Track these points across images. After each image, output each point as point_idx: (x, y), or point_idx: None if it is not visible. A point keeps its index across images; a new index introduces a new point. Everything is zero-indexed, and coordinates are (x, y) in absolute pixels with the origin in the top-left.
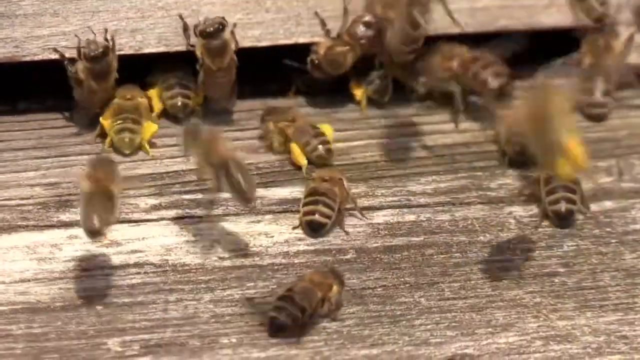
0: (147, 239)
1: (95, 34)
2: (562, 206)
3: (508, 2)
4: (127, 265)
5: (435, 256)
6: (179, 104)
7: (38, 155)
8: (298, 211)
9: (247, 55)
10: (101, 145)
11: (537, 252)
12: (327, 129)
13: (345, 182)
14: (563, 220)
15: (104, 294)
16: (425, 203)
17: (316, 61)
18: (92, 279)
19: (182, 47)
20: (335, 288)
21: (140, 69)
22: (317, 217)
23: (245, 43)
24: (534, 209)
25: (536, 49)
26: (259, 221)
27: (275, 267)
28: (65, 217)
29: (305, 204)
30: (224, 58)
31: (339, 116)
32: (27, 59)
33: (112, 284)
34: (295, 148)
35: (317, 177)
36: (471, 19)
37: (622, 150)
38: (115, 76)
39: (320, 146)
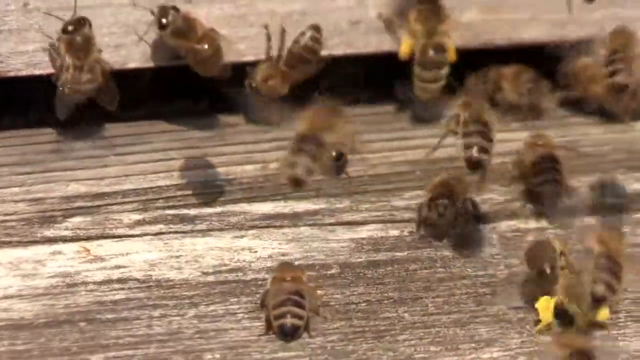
0: (130, 254)
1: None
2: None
3: (490, 17)
4: (111, 281)
5: (419, 271)
6: None
7: (22, 171)
8: (282, 226)
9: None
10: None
11: (520, 267)
12: None
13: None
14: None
15: (87, 310)
16: (409, 218)
17: (253, 85)
18: (76, 295)
19: (165, 63)
20: (304, 275)
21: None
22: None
23: (230, 57)
24: (516, 224)
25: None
26: (242, 236)
27: (259, 282)
28: (49, 232)
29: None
30: None
31: None
32: (12, 74)
33: (96, 300)
34: None
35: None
36: (454, 35)
37: (606, 166)
38: (97, 53)
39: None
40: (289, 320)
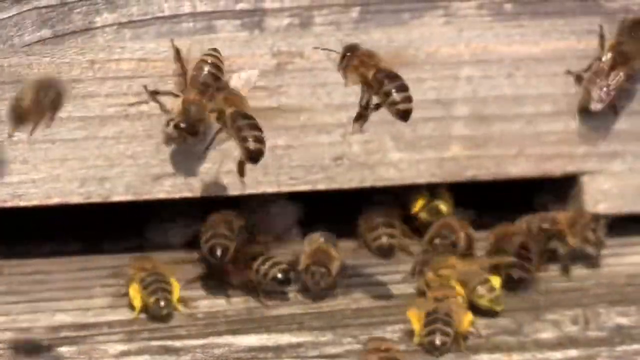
0: None
1: None
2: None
3: (476, 152)
4: None
5: None
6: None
7: (8, 300)
8: (265, 359)
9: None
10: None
11: None
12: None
13: None
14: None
15: None
16: None
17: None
18: None
19: (149, 196)
20: None
21: None
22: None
23: (213, 193)
24: (500, 357)
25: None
26: None
27: None
28: None
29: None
30: None
31: None
32: None
33: None
34: None
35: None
36: (439, 170)
37: (588, 300)
38: None
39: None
40: None
